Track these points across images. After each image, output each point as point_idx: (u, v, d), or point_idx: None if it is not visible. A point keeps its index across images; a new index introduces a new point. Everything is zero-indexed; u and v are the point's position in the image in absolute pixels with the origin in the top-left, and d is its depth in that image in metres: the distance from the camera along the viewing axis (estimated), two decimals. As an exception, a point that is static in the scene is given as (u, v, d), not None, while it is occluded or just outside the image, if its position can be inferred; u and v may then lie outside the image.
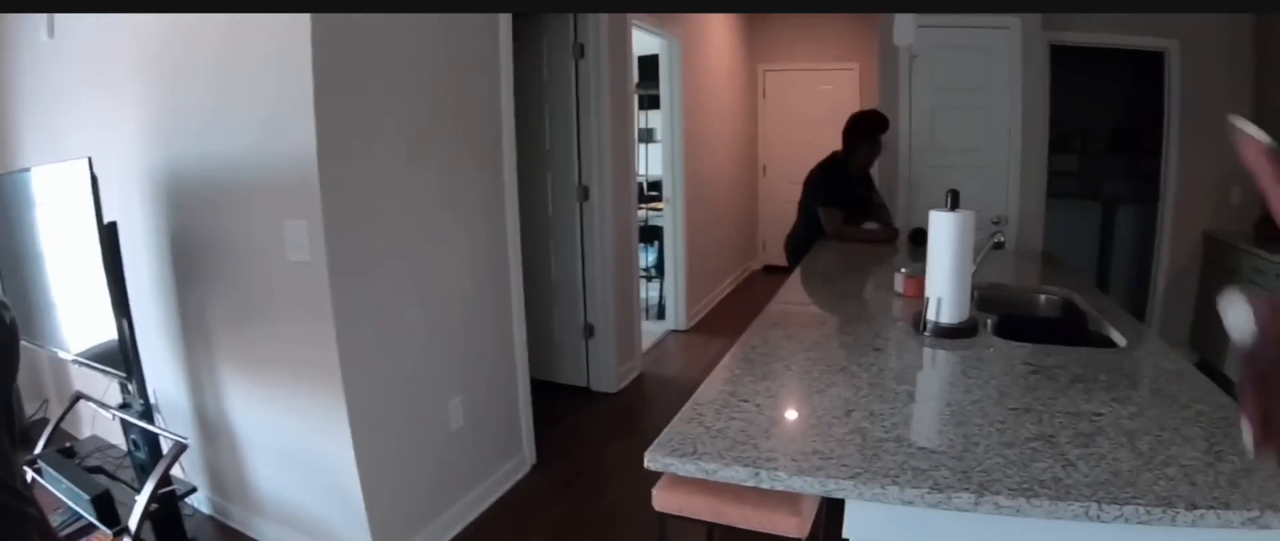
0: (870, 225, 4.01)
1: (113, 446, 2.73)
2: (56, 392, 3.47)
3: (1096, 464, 1.26)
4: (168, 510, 2.38)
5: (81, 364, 2.45)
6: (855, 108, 7.11)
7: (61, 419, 2.71)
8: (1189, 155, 4.45)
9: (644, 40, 5.02)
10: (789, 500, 1.66)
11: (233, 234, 2.52)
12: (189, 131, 2.53)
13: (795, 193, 4.13)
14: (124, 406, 2.45)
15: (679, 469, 1.31)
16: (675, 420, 1.48)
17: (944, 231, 2.03)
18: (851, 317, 2.31)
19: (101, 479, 2.44)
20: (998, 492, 1.18)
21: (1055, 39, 4.29)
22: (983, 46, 4.22)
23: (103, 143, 2.65)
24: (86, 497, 2.20)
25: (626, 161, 4.43)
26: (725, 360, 1.89)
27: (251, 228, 2.45)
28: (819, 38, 7.39)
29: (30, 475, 2.36)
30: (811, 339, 2.08)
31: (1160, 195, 4.60)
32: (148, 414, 2.41)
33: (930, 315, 2.06)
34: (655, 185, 6.03)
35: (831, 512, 1.80)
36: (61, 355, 2.54)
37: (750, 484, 1.27)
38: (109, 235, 2.20)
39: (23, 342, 1.35)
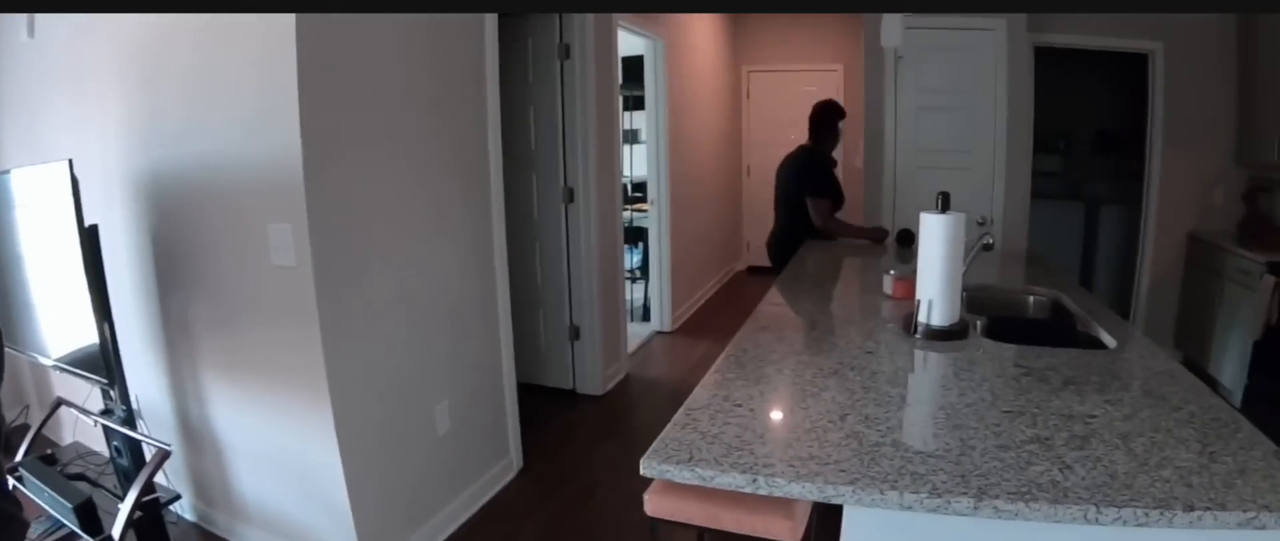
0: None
1: (94, 453, 2.69)
2: (37, 398, 3.41)
3: (1093, 466, 1.26)
4: (151, 518, 2.35)
5: (62, 369, 2.41)
6: (841, 109, 7.16)
7: (42, 425, 2.67)
8: (1173, 156, 4.49)
9: (628, 41, 5.00)
10: (782, 504, 1.65)
11: (216, 237, 2.48)
12: (170, 133, 2.49)
13: (777, 193, 4.13)
14: (106, 412, 2.41)
15: (675, 476, 1.30)
16: (669, 426, 1.46)
17: (935, 233, 2.03)
18: (841, 320, 2.31)
19: (83, 486, 2.40)
20: (997, 496, 1.18)
21: (1040, 40, 4.31)
22: (968, 47, 4.23)
23: (83, 144, 2.61)
24: (69, 506, 2.16)
25: (612, 163, 4.42)
26: (717, 363, 1.87)
27: (234, 231, 2.41)
28: (803, 39, 7.41)
29: (10, 483, 2.31)
30: (802, 342, 2.07)
31: (1144, 195, 4.64)
32: (130, 420, 2.37)
33: (921, 317, 2.06)
34: (639, 186, 6.02)
35: (822, 517, 1.80)
36: (41, 360, 2.49)
37: (748, 490, 1.25)
38: (90, 238, 2.17)
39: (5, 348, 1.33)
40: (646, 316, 5.84)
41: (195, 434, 2.74)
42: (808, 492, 1.23)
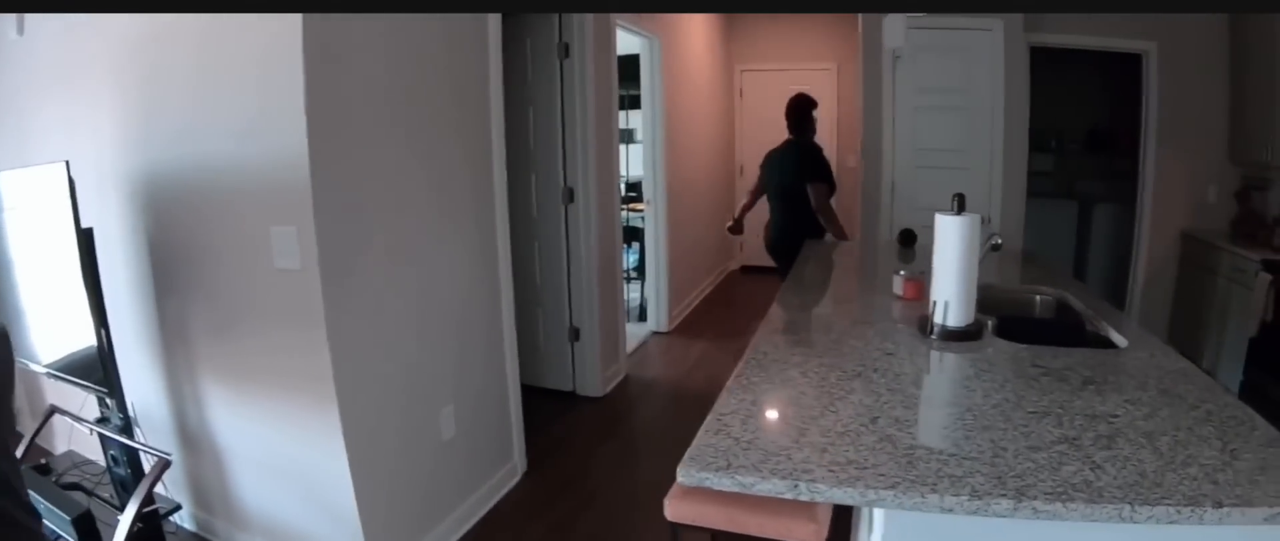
0: None
1: (90, 462, 2.63)
2: (29, 405, 3.34)
3: (1123, 466, 1.27)
4: (151, 529, 2.30)
5: (56, 376, 2.35)
6: (833, 108, 7.18)
7: (36, 433, 2.61)
8: (1166, 155, 4.52)
9: (624, 40, 4.97)
10: (806, 507, 1.64)
11: (215, 240, 2.43)
12: (168, 133, 2.43)
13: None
14: (102, 420, 2.36)
15: (714, 483, 1.27)
16: (702, 432, 1.44)
17: (950, 235, 2.03)
18: (856, 321, 2.30)
19: (80, 497, 2.34)
20: (1035, 497, 1.18)
21: (1035, 40, 4.33)
22: (966, 48, 4.25)
23: (75, 145, 2.54)
24: (67, 518, 2.10)
25: (611, 162, 4.39)
26: (738, 367, 1.86)
27: (235, 234, 2.36)
28: (796, 38, 7.41)
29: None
30: (821, 344, 2.05)
31: (1138, 194, 4.68)
32: (127, 428, 2.31)
33: (938, 318, 2.05)
34: (634, 186, 5.99)
35: (837, 519, 1.79)
36: (32, 367, 2.43)
37: (789, 496, 1.24)
38: (86, 241, 2.12)
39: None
40: (644, 317, 5.81)
41: (194, 441, 2.69)
42: (850, 498, 1.22)
